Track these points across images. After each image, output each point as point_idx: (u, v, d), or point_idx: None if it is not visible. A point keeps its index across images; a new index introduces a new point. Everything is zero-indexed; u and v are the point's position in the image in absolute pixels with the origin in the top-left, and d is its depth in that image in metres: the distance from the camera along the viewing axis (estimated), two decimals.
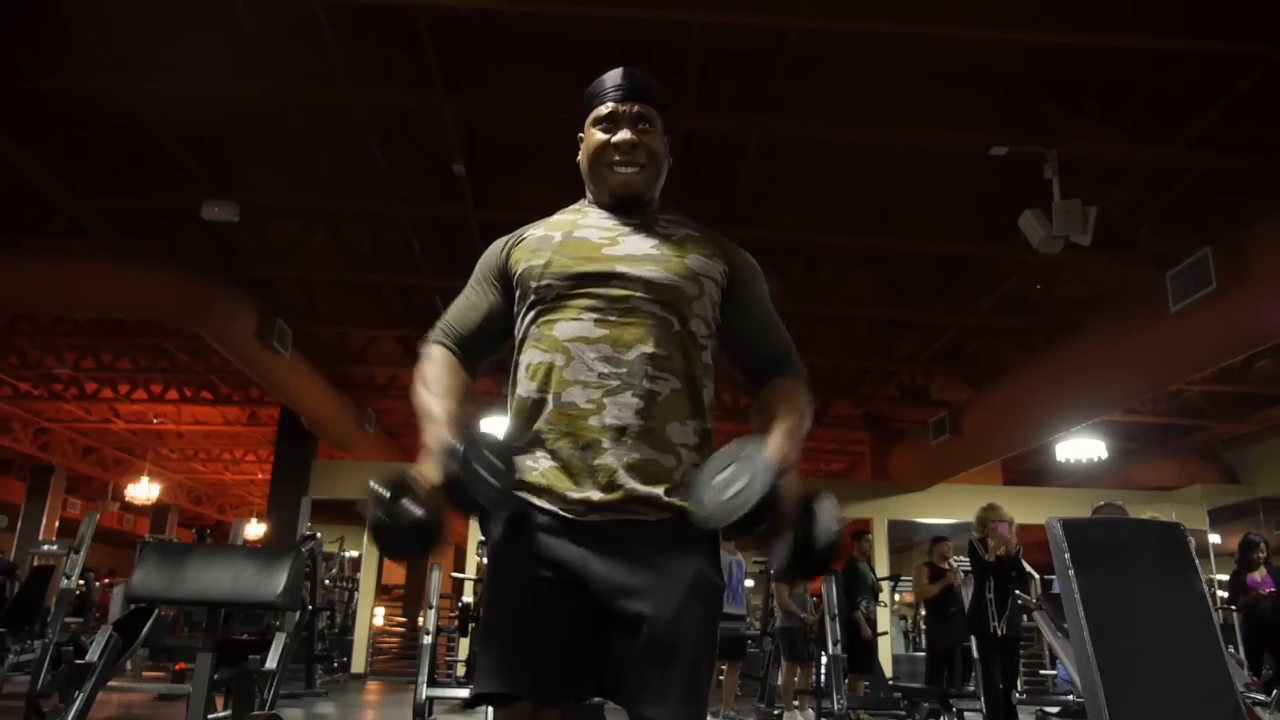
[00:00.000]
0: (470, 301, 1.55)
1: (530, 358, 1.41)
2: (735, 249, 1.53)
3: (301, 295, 8.55)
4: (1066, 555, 2.58)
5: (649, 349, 1.37)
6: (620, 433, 1.33)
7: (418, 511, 1.29)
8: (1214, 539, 10.94)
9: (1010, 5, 4.33)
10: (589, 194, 1.56)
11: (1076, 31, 4.39)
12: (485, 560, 6.27)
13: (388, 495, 1.30)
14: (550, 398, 1.37)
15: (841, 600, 7.18)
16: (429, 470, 1.29)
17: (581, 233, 1.47)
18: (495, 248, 1.56)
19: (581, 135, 1.54)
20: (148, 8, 4.68)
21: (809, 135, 5.48)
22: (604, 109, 1.49)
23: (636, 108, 1.49)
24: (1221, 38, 4.30)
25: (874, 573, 7.66)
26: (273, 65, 5.03)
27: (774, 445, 1.34)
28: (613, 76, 1.52)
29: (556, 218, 1.54)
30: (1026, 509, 6.67)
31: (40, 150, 5.77)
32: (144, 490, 15.21)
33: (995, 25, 4.35)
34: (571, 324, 1.39)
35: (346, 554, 11.67)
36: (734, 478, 1.27)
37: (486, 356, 1.58)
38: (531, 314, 1.44)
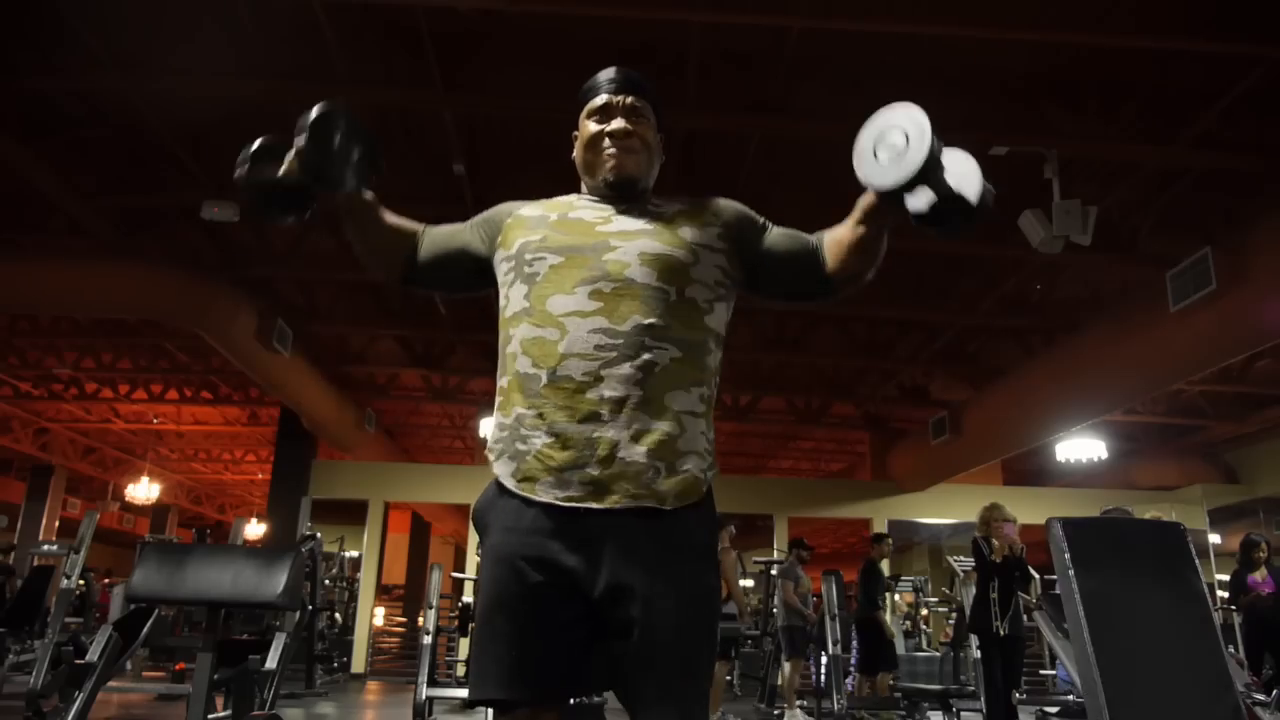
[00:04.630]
0: (454, 227, 1.60)
1: (524, 332, 1.39)
2: (718, 204, 1.54)
3: (301, 295, 8.55)
4: (1066, 555, 2.58)
5: (645, 319, 1.36)
6: (619, 404, 1.32)
7: (272, 174, 1.46)
8: (1214, 539, 10.93)
9: (1010, 5, 4.33)
10: (584, 187, 1.58)
11: (1076, 31, 4.39)
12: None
13: (257, 157, 1.47)
14: (545, 372, 1.35)
15: (861, 600, 7.22)
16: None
17: (576, 214, 1.49)
18: (500, 209, 1.58)
19: (576, 133, 1.57)
20: (148, 8, 4.68)
21: (809, 135, 5.47)
22: (598, 100, 1.53)
23: (630, 99, 1.52)
24: (1221, 38, 4.30)
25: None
26: (273, 65, 5.03)
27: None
28: (607, 72, 1.55)
29: (551, 200, 1.56)
30: (1026, 509, 6.66)
31: (40, 150, 5.77)
32: (144, 490, 15.20)
33: (995, 25, 4.35)
34: (565, 298, 1.38)
35: (346, 554, 11.66)
36: (898, 141, 1.34)
37: (427, 268, 1.59)
38: (526, 287, 1.42)
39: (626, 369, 1.33)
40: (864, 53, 4.81)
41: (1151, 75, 4.87)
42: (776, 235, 1.54)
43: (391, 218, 1.58)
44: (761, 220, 1.56)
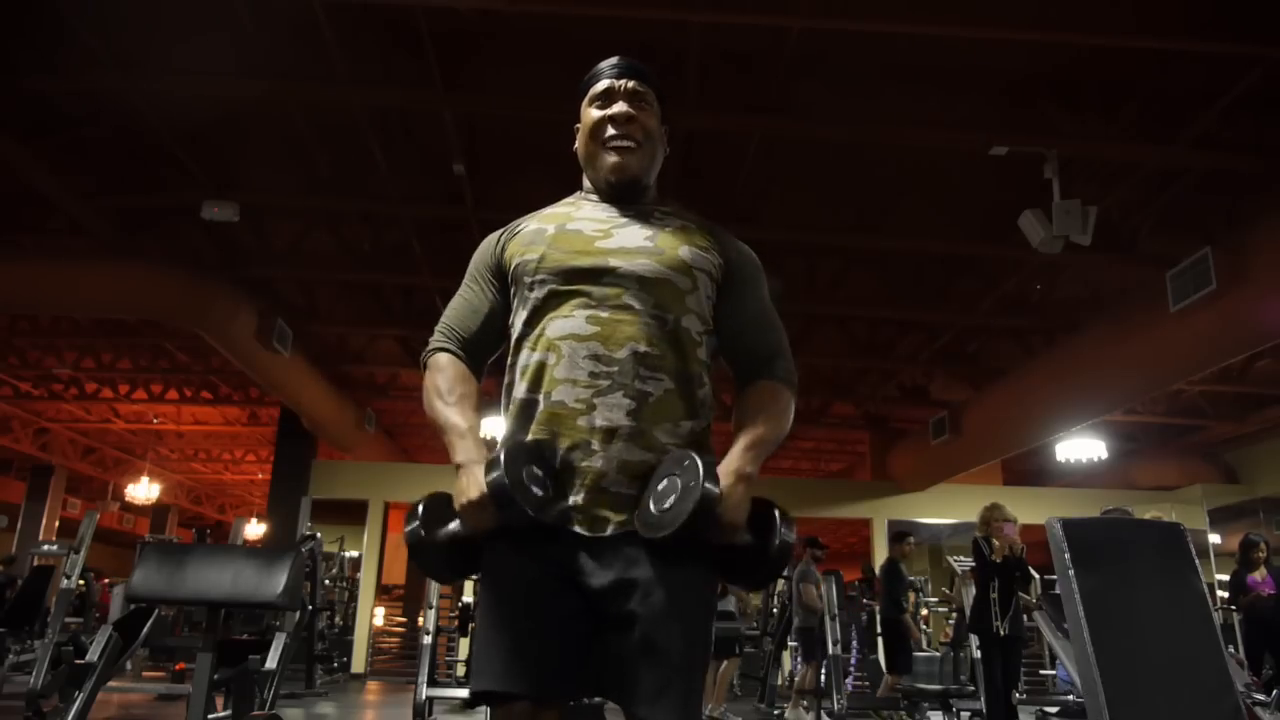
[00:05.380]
0: (468, 302, 1.54)
1: (523, 358, 1.40)
2: (733, 243, 1.52)
3: (301, 295, 8.55)
4: (1066, 555, 2.57)
5: (640, 347, 1.35)
6: (610, 434, 1.32)
7: (455, 529, 1.34)
8: (1214, 539, 10.93)
9: (1010, 5, 4.33)
10: (585, 182, 1.55)
11: (1076, 31, 4.39)
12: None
13: (427, 516, 1.35)
14: (541, 397, 1.36)
15: (885, 602, 7.15)
16: (471, 486, 1.31)
17: (575, 225, 1.45)
18: (489, 243, 1.55)
19: (578, 125, 1.54)
20: (148, 8, 4.68)
21: (809, 135, 5.48)
22: (600, 85, 1.50)
23: (633, 84, 1.49)
24: (1221, 38, 4.30)
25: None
26: (273, 65, 5.03)
27: (730, 458, 1.35)
28: (609, 59, 1.53)
29: (550, 210, 1.53)
30: (1026, 509, 6.65)
31: (40, 150, 5.77)
32: (144, 490, 15.21)
33: (995, 25, 4.35)
34: (564, 321, 1.37)
35: (346, 554, 11.66)
36: (670, 490, 1.26)
37: (490, 355, 1.57)
38: (525, 311, 1.42)
39: (619, 398, 1.33)
40: (864, 53, 4.81)
41: (1151, 75, 4.87)
42: (763, 315, 1.52)
43: (467, 383, 1.49)
44: (765, 291, 1.53)
